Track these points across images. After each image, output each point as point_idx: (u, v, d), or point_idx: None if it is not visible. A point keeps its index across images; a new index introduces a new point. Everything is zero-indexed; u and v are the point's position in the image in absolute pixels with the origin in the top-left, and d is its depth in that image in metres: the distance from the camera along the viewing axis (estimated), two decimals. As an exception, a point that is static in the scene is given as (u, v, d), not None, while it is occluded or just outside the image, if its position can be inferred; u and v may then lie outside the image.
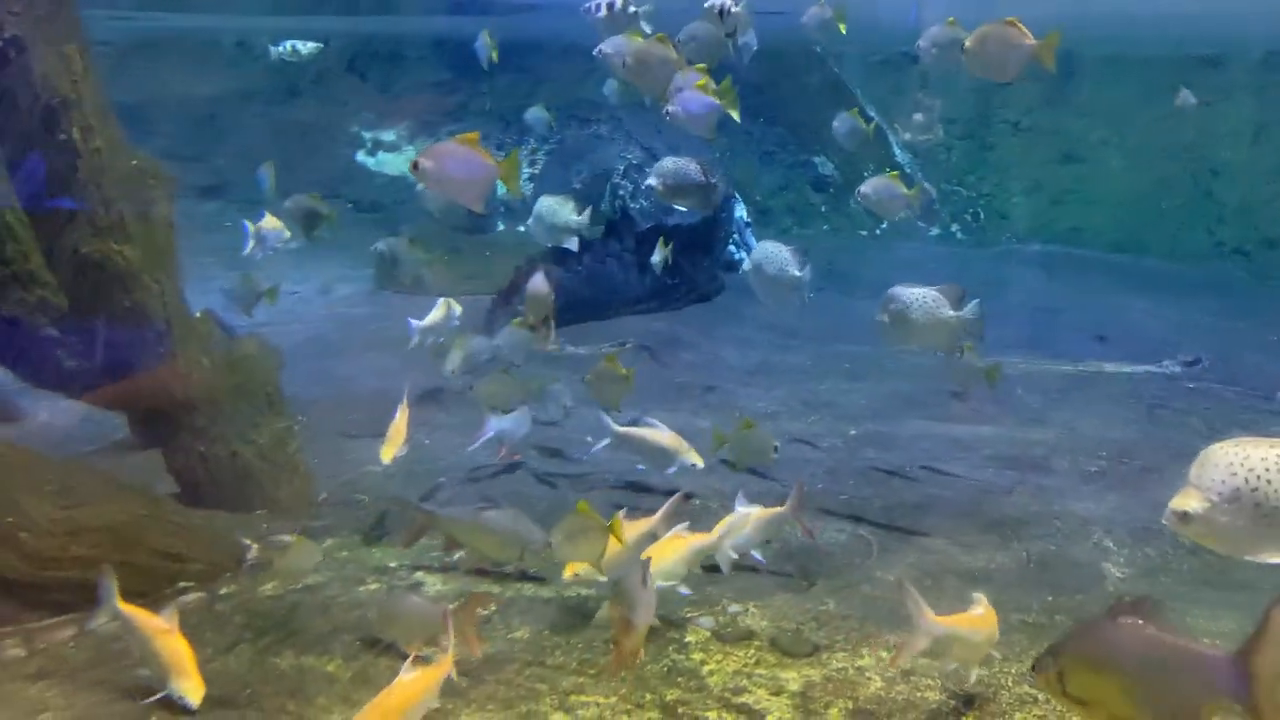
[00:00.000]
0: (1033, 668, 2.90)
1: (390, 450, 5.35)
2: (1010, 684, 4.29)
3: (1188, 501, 2.97)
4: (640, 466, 6.28)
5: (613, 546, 4.21)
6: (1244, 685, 2.43)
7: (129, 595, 3.93)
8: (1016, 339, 10.95)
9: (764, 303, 6.03)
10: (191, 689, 3.77)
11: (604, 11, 5.97)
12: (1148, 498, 6.67)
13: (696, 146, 15.69)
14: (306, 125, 17.19)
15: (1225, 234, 16.30)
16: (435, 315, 7.75)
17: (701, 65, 5.71)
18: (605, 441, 6.18)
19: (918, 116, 17.91)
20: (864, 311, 7.13)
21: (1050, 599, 5.20)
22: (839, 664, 4.42)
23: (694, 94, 5.40)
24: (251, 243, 6.99)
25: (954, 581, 5.37)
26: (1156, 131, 17.15)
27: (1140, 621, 2.66)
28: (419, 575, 5.07)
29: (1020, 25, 5.20)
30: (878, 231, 18.24)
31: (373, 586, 4.92)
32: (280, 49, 14.41)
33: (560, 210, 6.62)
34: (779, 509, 5.03)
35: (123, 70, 15.71)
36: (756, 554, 5.14)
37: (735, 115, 5.62)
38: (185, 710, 3.80)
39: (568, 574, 4.57)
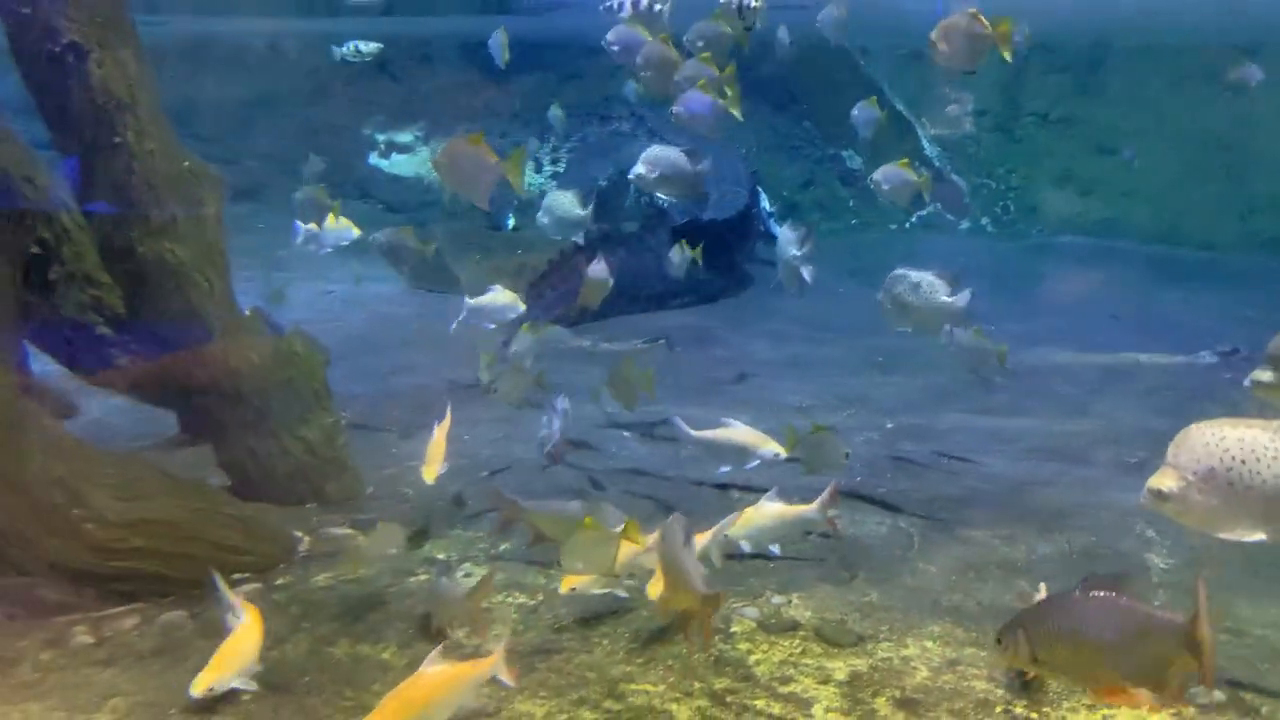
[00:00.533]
0: (997, 640, 3.09)
1: (432, 471, 5.31)
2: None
3: (1164, 480, 3.12)
4: (724, 469, 6.03)
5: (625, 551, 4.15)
6: (1196, 643, 2.78)
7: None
8: (1051, 331, 10.93)
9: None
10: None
11: (628, 10, 6.02)
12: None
13: (721, 140, 15.74)
14: (339, 127, 17.36)
15: (1260, 223, 16.13)
16: (490, 298, 7.32)
17: (706, 54, 5.78)
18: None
19: (949, 109, 17.87)
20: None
21: (1094, 590, 5.19)
22: (884, 654, 4.45)
23: (696, 94, 5.53)
24: (301, 238, 7.02)
25: (996, 573, 5.38)
26: (1189, 121, 16.99)
27: (1112, 594, 2.95)
28: (467, 566, 5.15)
29: (981, 17, 5.48)
30: (907, 225, 18.19)
31: (423, 577, 5.01)
32: (344, 49, 14.56)
33: (567, 204, 6.81)
34: (806, 507, 5.06)
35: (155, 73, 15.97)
36: (773, 547, 5.15)
37: (737, 114, 5.76)
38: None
39: (565, 588, 4.55)
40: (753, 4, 5.97)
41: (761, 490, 5.15)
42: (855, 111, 8.02)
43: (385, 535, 4.78)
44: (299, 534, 5.03)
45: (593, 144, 15.33)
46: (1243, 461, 3.05)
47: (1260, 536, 3.16)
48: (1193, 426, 3.15)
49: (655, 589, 4.13)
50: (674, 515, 4.16)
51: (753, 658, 4.42)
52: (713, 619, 3.69)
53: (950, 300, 5.54)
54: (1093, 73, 17.97)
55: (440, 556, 5.28)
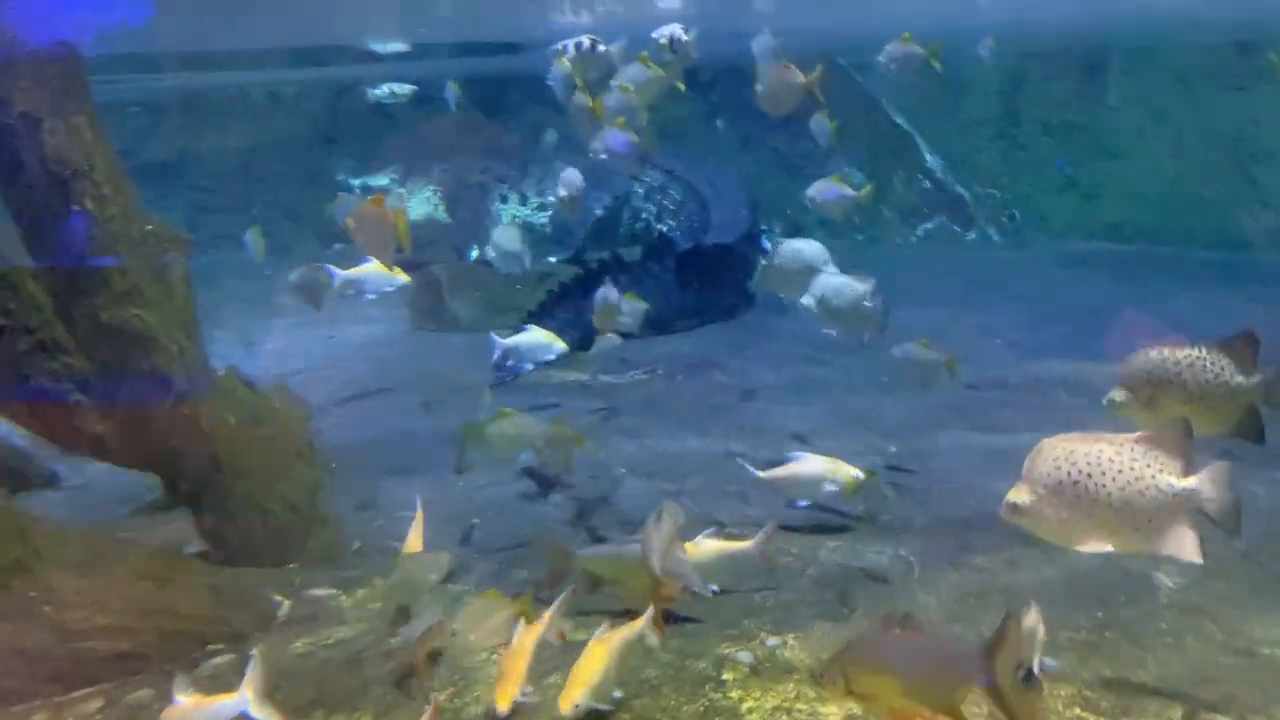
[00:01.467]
0: (820, 676, 3.39)
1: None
2: (1061, 708, 4.15)
3: (1019, 494, 3.29)
4: (802, 503, 5.96)
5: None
6: (989, 673, 2.90)
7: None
8: (1058, 341, 10.75)
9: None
10: None
11: (571, 52, 6.09)
12: (1200, 501, 6.47)
13: (715, 163, 15.69)
14: (342, 172, 17.46)
15: (1270, 220, 15.87)
16: (525, 337, 7.23)
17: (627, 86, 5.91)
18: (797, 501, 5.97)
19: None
20: (899, 321, 7.03)
21: (1100, 614, 5.03)
22: (881, 695, 4.29)
23: (614, 132, 5.75)
24: (339, 284, 6.90)
25: (999, 601, 5.22)
26: (1192, 120, 16.80)
27: (905, 631, 3.24)
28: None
29: (792, 67, 6.39)
30: (913, 239, 18.06)
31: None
32: (379, 91, 14.81)
33: (509, 240, 7.07)
34: (742, 544, 4.95)
35: (156, 128, 16.11)
36: (712, 585, 4.88)
37: (649, 148, 6.22)
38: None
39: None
40: (684, 38, 6.01)
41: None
42: (811, 124, 8.17)
43: (425, 562, 4.76)
44: (278, 598, 4.92)
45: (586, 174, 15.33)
46: (1089, 475, 3.21)
47: (1108, 548, 3.28)
48: (1045, 441, 3.31)
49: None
50: (666, 504, 4.19)
51: (745, 705, 4.27)
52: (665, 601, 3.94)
53: (867, 303, 6.04)
54: (1092, 78, 17.83)
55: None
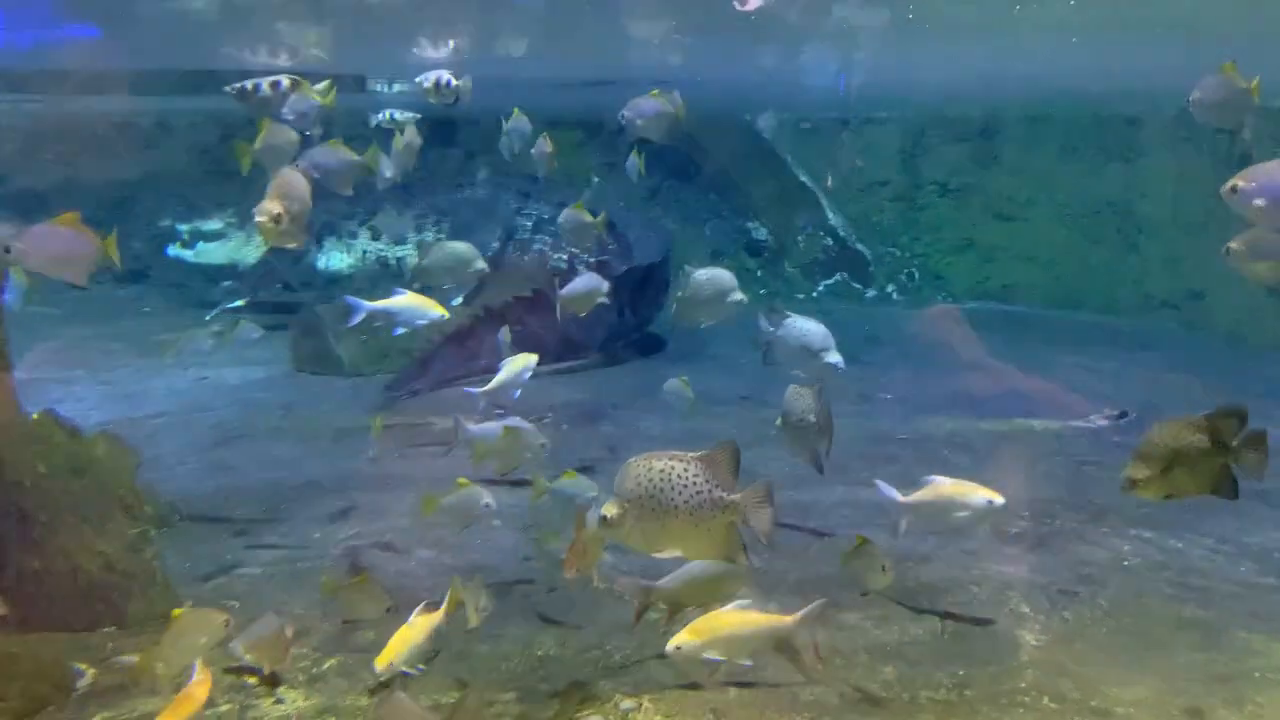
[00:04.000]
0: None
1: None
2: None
3: (610, 509, 3.66)
4: (943, 528, 5.45)
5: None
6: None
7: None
8: (945, 397, 10.85)
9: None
10: None
11: (429, 83, 5.97)
12: (1069, 557, 6.50)
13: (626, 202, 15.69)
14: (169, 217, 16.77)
15: (1153, 287, 16.47)
16: (499, 378, 6.56)
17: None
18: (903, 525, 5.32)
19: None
20: (791, 377, 6.95)
21: (962, 673, 4.94)
22: (734, 760, 4.11)
23: (327, 151, 5.66)
24: (362, 317, 6.39)
25: (864, 659, 5.11)
26: (1081, 189, 17.42)
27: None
28: (281, 690, 4.68)
29: (670, 94, 6.35)
30: (814, 294, 18.25)
31: (223, 709, 4.52)
32: (380, 117, 14.37)
33: (461, 252, 6.78)
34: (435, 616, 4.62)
35: (33, 154, 15.44)
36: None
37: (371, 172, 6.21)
38: None
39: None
40: (454, 82, 5.98)
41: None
42: (562, 219, 7.97)
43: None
44: (80, 666, 4.49)
45: (461, 213, 15.12)
46: (659, 487, 3.61)
47: (678, 553, 3.76)
48: (631, 460, 3.68)
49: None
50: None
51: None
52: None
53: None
54: (988, 143, 18.40)
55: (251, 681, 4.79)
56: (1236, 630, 5.42)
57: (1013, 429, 9.91)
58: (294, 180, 4.80)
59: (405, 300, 6.29)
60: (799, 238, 18.73)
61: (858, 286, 18.40)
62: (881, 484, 5.35)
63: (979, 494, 5.09)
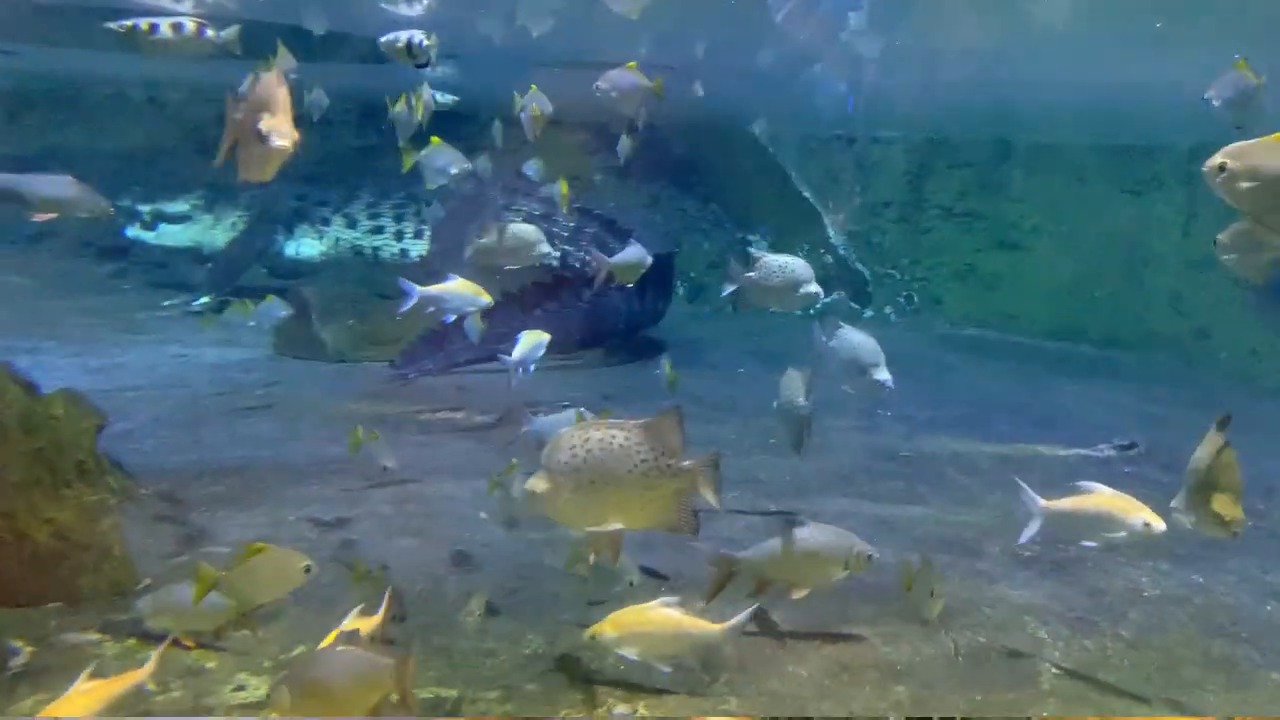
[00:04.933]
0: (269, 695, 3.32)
1: None
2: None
3: (538, 483, 3.44)
4: (1089, 544, 4.78)
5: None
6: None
7: None
8: (950, 420, 10.57)
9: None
10: None
11: (400, 43, 5.68)
12: (1085, 585, 6.16)
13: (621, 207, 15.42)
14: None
15: (1156, 322, 16.22)
16: (520, 346, 6.72)
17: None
18: (1032, 529, 4.90)
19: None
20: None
21: (980, 698, 4.59)
22: (735, 775, 3.75)
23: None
24: (414, 303, 6.10)
25: (873, 676, 4.75)
26: (1089, 220, 17.19)
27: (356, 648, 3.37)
28: (242, 676, 4.27)
29: (637, 69, 6.26)
30: (812, 312, 17.94)
31: (176, 695, 4.10)
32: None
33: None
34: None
35: (17, 120, 14.98)
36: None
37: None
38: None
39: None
40: (424, 42, 5.70)
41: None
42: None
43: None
44: (17, 645, 4.07)
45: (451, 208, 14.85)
46: (602, 460, 3.39)
47: (616, 525, 3.50)
48: (563, 431, 3.50)
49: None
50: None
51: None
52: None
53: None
54: (995, 169, 18.18)
55: (210, 666, 4.37)
56: (1270, 671, 5.09)
57: (1017, 453, 9.61)
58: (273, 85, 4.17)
59: (456, 286, 6.30)
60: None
61: (855, 306, 18.11)
62: (1022, 484, 4.97)
63: (1138, 514, 4.54)
